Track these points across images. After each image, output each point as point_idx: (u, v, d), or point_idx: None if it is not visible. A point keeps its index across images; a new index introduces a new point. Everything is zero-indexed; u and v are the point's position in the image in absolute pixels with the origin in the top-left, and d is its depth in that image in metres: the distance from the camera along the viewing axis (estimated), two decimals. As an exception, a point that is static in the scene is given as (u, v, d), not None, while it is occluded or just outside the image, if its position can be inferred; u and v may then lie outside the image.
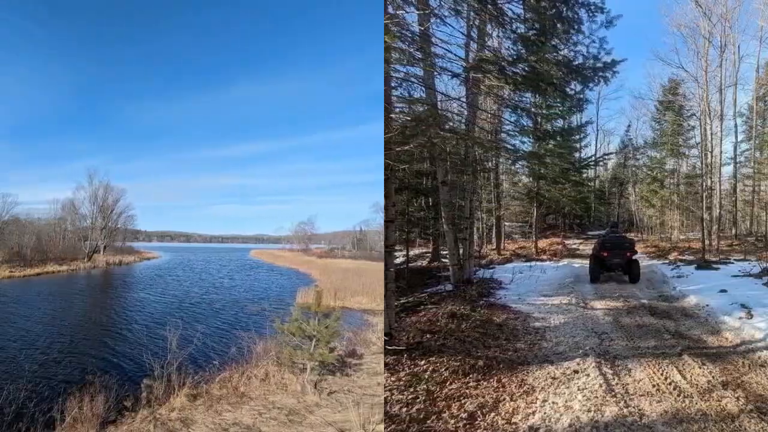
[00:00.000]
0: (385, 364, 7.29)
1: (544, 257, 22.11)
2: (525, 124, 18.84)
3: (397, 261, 15.27)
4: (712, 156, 25.65)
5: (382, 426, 5.54)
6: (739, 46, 27.98)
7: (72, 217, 57.48)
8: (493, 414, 5.43)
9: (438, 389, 6.24)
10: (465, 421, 5.25)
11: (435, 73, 11.93)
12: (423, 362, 7.27)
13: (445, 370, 6.92)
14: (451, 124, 13.30)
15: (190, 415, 7.26)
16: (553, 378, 6.39)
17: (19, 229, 48.24)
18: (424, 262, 21.87)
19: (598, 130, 47.72)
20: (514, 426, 5.03)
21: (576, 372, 6.56)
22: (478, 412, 5.48)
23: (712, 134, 25.22)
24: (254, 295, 27.96)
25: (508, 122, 17.56)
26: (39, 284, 31.11)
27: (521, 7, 11.24)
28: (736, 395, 5.53)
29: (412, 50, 10.09)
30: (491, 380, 6.52)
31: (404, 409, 5.64)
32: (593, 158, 40.60)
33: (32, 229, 50.20)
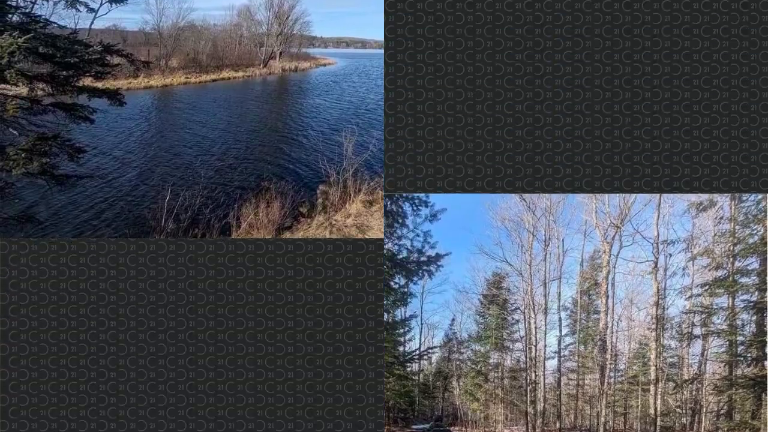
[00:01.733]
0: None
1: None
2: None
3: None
4: (536, 350, 17.01)
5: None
6: (563, 240, 18.55)
7: (248, 23, 55.83)
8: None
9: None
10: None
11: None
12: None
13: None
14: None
15: (366, 221, 7.06)
16: None
17: (195, 35, 46.72)
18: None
19: (422, 324, 33.22)
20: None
21: None
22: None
23: (536, 328, 16.95)
24: (433, 98, 26.12)
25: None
26: (215, 90, 30.63)
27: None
28: None
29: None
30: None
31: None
32: (417, 352, 26.99)
33: (208, 36, 48.97)
